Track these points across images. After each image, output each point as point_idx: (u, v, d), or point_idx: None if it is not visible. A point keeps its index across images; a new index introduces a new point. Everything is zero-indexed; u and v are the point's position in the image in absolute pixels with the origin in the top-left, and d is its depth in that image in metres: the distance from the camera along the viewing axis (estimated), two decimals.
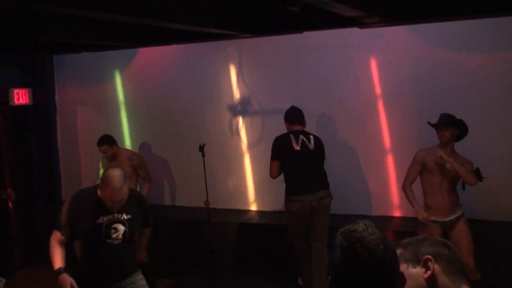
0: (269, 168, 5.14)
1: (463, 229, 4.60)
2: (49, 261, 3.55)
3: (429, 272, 1.67)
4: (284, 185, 5.13)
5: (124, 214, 3.66)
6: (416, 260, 1.72)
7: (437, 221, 4.65)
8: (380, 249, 1.49)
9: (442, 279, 1.68)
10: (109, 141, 5.77)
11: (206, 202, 5.36)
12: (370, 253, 1.48)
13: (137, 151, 6.60)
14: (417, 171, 4.77)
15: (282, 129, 6.09)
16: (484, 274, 4.56)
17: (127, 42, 5.13)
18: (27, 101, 6.77)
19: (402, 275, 1.57)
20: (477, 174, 4.53)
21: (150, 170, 5.99)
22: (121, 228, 3.63)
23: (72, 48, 5.86)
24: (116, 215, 3.64)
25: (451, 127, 4.56)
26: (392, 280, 1.52)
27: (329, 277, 1.56)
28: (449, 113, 4.62)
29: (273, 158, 5.13)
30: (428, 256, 1.69)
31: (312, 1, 3.46)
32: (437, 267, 1.69)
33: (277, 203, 6.18)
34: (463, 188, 4.65)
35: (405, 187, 4.80)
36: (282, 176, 5.15)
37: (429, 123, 4.67)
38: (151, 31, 4.82)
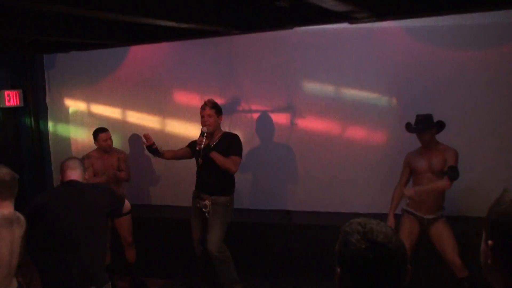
0: (235, 165, 4.96)
1: (443, 229, 4.60)
2: None
3: (489, 259, 1.44)
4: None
5: None
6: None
7: (415, 214, 4.72)
8: (396, 239, 1.50)
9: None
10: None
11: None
12: (390, 240, 1.48)
13: (128, 149, 6.58)
14: (406, 173, 4.85)
15: (272, 127, 6.10)
16: (474, 270, 4.53)
17: (116, 40, 5.09)
18: (18, 103, 6.72)
19: (408, 270, 1.53)
20: (449, 173, 4.43)
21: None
22: None
23: (60, 47, 5.82)
24: None
25: (428, 130, 4.57)
26: (403, 269, 1.51)
27: (338, 269, 1.53)
28: (425, 114, 4.61)
29: (241, 154, 5.06)
30: (491, 242, 1.43)
31: None
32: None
33: (269, 201, 6.18)
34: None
35: (395, 189, 4.89)
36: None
37: (407, 128, 4.69)
38: (140, 29, 4.79)
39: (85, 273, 3.56)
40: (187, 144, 5.35)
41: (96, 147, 5.86)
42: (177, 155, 5.31)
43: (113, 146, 5.96)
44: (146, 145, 5.10)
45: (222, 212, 5.00)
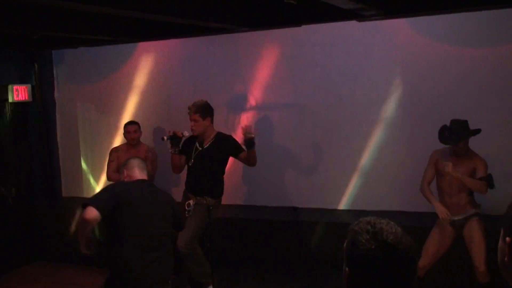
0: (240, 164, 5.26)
1: (473, 231, 4.47)
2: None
3: (506, 257, 1.40)
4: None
5: None
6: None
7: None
8: (406, 239, 1.48)
9: None
10: (139, 124, 5.91)
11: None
12: (400, 241, 1.47)
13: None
14: (431, 171, 4.72)
15: (280, 124, 6.10)
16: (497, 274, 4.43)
17: (124, 36, 5.11)
18: (27, 98, 6.74)
19: (417, 270, 1.53)
20: (488, 181, 4.39)
21: None
22: None
23: (69, 43, 5.84)
24: None
25: (464, 139, 4.46)
26: (413, 270, 1.50)
27: (347, 269, 1.51)
28: (461, 121, 4.47)
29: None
30: (509, 239, 1.38)
31: None
32: None
33: (277, 197, 6.18)
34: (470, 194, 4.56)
35: (422, 187, 4.74)
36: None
37: (440, 138, 4.53)
38: (148, 25, 4.80)
39: (164, 271, 3.75)
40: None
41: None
42: (182, 162, 5.31)
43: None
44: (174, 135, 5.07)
45: (203, 213, 4.91)
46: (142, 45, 6.51)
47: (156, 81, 6.63)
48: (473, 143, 4.63)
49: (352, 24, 4.99)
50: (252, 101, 6.22)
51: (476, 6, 4.03)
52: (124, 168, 3.90)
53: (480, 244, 4.43)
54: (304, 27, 5.09)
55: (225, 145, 5.12)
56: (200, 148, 5.13)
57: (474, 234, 4.46)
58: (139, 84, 6.73)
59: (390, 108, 5.66)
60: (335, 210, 5.92)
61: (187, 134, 5.09)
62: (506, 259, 1.39)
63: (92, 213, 3.39)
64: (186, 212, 5.02)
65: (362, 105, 5.75)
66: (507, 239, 1.39)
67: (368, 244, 1.46)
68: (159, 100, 6.65)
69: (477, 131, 4.51)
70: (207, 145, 5.11)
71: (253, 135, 4.93)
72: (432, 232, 4.64)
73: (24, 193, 6.86)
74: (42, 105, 7.04)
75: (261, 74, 6.17)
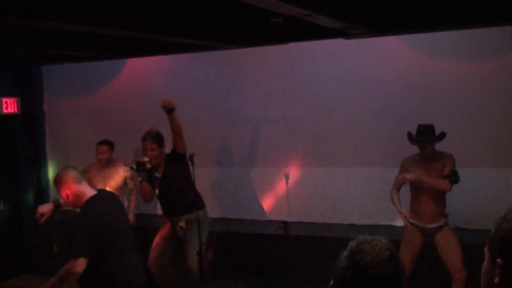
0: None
1: (449, 239, 4.52)
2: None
3: (497, 278, 1.39)
4: None
5: None
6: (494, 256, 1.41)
7: (418, 225, 4.62)
8: (385, 265, 1.46)
9: None
10: (111, 144, 5.76)
11: (196, 211, 5.28)
12: (376, 265, 1.45)
13: (124, 160, 6.55)
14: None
15: (269, 138, 6.10)
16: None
17: (110, 53, 5.10)
18: (15, 110, 6.72)
19: None
20: (451, 177, 4.40)
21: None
22: None
23: (56, 59, 5.82)
24: None
25: (433, 142, 4.50)
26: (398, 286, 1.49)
27: (331, 282, 1.52)
28: (427, 125, 4.52)
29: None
30: (501, 260, 1.38)
31: (294, 13, 3.44)
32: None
33: (267, 211, 6.18)
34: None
35: (391, 192, 4.70)
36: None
37: (410, 140, 4.58)
38: (134, 42, 4.79)
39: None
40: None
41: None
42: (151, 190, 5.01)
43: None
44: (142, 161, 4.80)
45: (196, 229, 4.78)
46: (131, 60, 6.50)
47: (146, 95, 6.61)
48: (459, 155, 4.66)
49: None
50: (241, 115, 6.21)
51: (461, 25, 4.04)
52: (61, 189, 3.58)
53: (457, 248, 4.48)
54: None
55: (173, 160, 4.95)
56: (159, 175, 4.92)
57: (450, 239, 4.51)
58: (128, 98, 6.72)
59: (379, 122, 5.67)
60: (325, 224, 5.91)
61: (146, 159, 4.81)
62: (496, 281, 1.38)
63: (83, 265, 3.30)
64: (182, 233, 4.92)
65: (352, 119, 5.76)
66: (499, 260, 1.37)
67: (344, 262, 1.48)
68: (149, 115, 6.61)
69: (445, 135, 4.53)
70: (163, 169, 4.93)
71: (168, 107, 4.68)
72: (402, 237, 4.66)
73: (12, 206, 6.81)
74: (31, 117, 7.01)
75: (250, 89, 6.17)
